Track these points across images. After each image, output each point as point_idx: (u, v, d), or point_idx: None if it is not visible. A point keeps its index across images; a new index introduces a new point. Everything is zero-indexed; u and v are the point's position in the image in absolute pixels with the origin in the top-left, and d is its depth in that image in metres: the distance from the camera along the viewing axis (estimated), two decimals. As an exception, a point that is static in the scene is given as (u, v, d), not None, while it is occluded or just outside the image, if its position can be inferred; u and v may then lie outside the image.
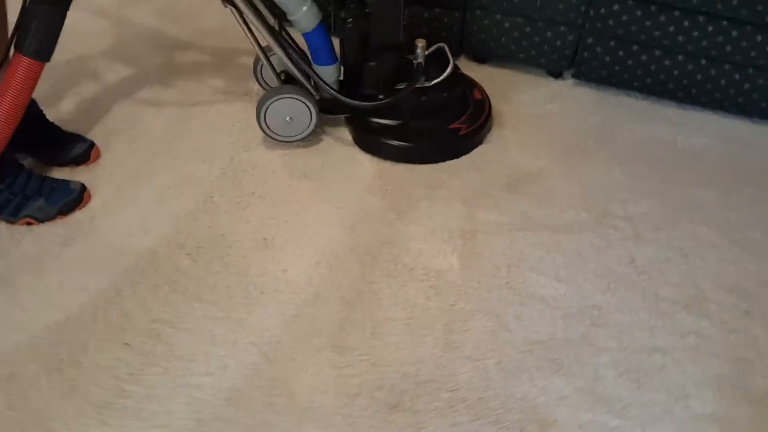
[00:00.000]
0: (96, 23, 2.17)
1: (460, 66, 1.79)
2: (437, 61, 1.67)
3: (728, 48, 1.73)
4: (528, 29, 1.91)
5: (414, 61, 1.63)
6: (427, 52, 1.65)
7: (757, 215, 1.59)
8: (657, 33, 1.78)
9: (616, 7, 1.78)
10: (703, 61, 1.79)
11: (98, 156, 1.63)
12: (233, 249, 1.43)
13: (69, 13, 1.32)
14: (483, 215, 1.55)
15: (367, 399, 1.16)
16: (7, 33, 1.44)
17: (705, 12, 1.70)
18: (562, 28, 1.88)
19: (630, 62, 1.86)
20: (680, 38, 1.76)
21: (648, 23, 1.77)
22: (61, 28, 1.31)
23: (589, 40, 1.87)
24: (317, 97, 1.63)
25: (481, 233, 1.50)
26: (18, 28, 1.28)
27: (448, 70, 1.65)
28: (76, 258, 1.39)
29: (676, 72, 1.83)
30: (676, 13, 1.73)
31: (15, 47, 1.30)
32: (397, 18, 1.57)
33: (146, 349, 1.22)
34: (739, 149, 1.80)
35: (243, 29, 1.57)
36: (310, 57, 1.62)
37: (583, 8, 1.83)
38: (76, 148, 1.59)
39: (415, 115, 1.67)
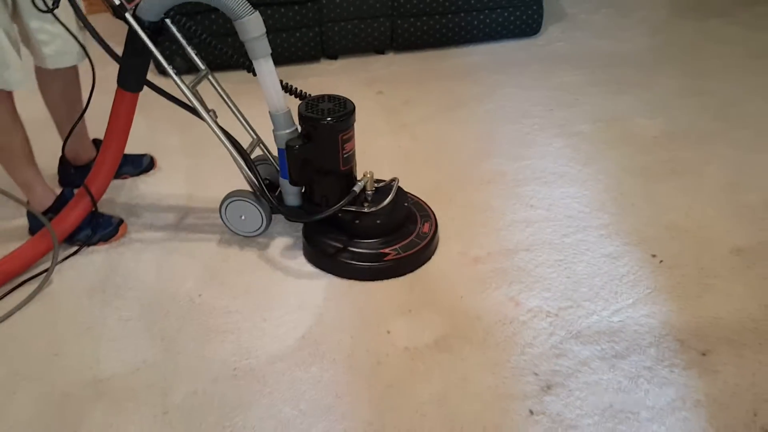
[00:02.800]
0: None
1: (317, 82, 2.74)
2: (387, 191, 1.82)
3: (473, 2, 3.07)
4: (362, 26, 3.05)
5: (353, 188, 1.78)
6: (379, 185, 1.85)
7: (537, 71, 2.95)
8: (434, 5, 3.04)
9: (409, -4, 3.02)
10: (462, 14, 3.11)
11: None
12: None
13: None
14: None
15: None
16: (81, 101, 2.04)
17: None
18: (382, 19, 3.06)
19: (425, 28, 3.11)
20: (447, 4, 3.05)
21: (428, 0, 3.02)
22: (146, 70, 1.77)
23: (399, 22, 3.08)
24: (273, 203, 1.81)
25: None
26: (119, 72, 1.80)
27: (385, 201, 1.79)
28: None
29: (450, 25, 3.13)
30: (441, -8, 3.03)
31: (119, 84, 1.75)
32: (334, 151, 1.74)
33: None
34: (504, 54, 3.17)
35: (230, 152, 1.79)
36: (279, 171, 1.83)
37: (390, 3, 3.02)
38: (144, 160, 2.29)
39: (352, 237, 1.81)
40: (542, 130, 2.50)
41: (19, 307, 1.71)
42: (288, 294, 1.75)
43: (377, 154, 2.37)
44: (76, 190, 1.92)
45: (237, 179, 1.88)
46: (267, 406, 1.43)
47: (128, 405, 1.45)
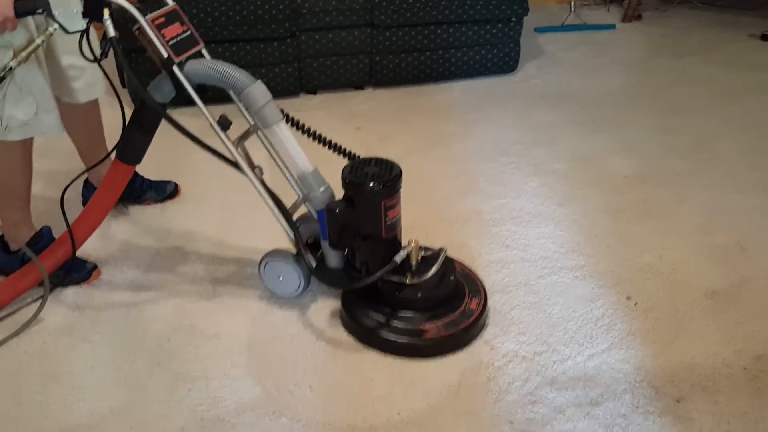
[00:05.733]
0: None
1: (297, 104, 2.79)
2: (434, 261, 1.71)
3: (451, 39, 3.10)
4: (341, 62, 3.07)
5: (396, 258, 1.68)
6: (426, 253, 1.76)
7: (514, 109, 2.98)
8: (412, 42, 3.07)
9: (387, 34, 3.04)
10: (440, 51, 3.14)
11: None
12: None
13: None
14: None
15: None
16: (105, 147, 2.09)
17: (439, 21, 3.05)
18: (360, 56, 3.08)
19: (404, 65, 3.14)
20: (425, 41, 3.08)
21: (406, 38, 3.06)
22: (147, 146, 1.76)
23: (378, 58, 3.10)
24: (312, 265, 1.75)
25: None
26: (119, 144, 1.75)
27: (429, 273, 1.68)
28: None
29: (429, 62, 3.16)
30: (420, 27, 3.05)
31: (117, 156, 1.76)
32: (377, 219, 1.65)
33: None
34: (481, 91, 3.20)
35: (272, 211, 1.72)
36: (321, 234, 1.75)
37: (369, 40, 3.05)
38: (168, 187, 2.32)
39: (392, 309, 1.69)
40: (518, 169, 2.51)
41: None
42: (257, 338, 1.72)
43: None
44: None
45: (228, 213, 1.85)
46: (235, 458, 1.40)
47: (93, 457, 1.41)
